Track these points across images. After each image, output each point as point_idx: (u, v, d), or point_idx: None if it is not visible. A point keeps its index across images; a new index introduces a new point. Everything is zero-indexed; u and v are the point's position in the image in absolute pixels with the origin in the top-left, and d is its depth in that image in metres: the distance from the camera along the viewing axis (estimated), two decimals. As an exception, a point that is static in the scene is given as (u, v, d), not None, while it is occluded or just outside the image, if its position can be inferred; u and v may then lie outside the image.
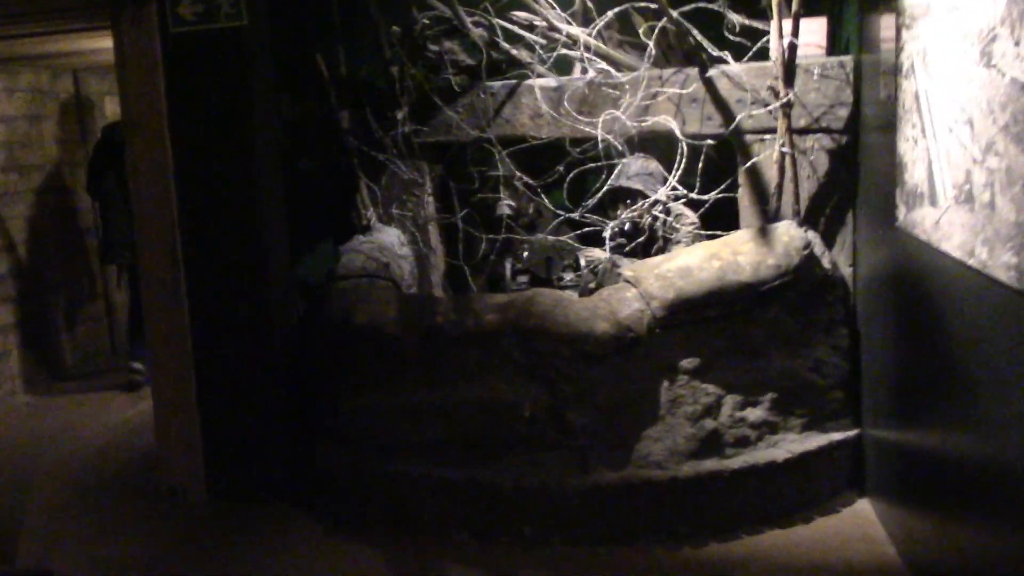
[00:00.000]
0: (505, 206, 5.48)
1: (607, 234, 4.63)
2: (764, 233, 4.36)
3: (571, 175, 4.81)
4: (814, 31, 4.44)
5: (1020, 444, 2.42)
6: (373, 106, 5.24)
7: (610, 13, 4.68)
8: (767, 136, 4.57)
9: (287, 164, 5.15)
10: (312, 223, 5.77)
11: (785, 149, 4.34)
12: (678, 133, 4.52)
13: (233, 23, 4.35)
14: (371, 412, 4.32)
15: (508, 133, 5.19)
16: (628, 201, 4.91)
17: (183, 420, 4.65)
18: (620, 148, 4.62)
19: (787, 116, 4.28)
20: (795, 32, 4.15)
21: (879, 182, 3.97)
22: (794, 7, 4.13)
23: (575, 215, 4.78)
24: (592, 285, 4.65)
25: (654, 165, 4.99)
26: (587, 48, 4.86)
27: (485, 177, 5.50)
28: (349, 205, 5.62)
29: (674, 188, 4.59)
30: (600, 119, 4.75)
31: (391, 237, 5.49)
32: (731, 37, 4.59)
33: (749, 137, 4.62)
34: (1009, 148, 2.38)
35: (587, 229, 4.88)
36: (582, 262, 4.80)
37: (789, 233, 4.35)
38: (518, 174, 5.41)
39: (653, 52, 4.57)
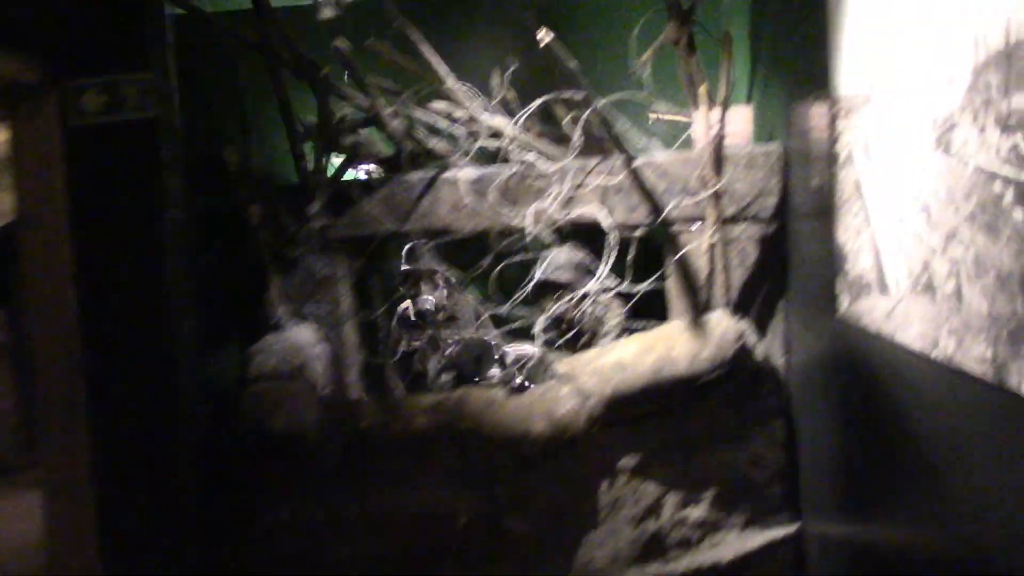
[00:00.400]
0: (426, 301, 5.28)
1: (538, 328, 4.47)
2: (697, 324, 4.26)
3: (497, 268, 4.65)
4: (739, 120, 4.45)
5: (991, 536, 2.31)
6: (287, 200, 5.02)
7: (536, 103, 4.58)
8: (695, 225, 4.51)
9: (193, 262, 4.86)
10: (217, 323, 5.45)
11: (715, 239, 4.27)
12: (604, 224, 4.42)
13: (141, 115, 4.10)
14: (292, 525, 4.01)
15: (428, 226, 5.02)
16: (556, 294, 4.77)
17: (80, 557, 4.22)
18: (548, 239, 4.48)
19: (717, 206, 4.24)
20: (723, 121, 4.13)
21: (813, 271, 3.93)
22: (720, 97, 4.12)
23: (503, 310, 4.60)
24: (521, 382, 4.46)
25: (581, 256, 4.88)
26: (511, 139, 4.75)
27: (405, 272, 5.32)
28: (258, 303, 5.34)
29: (602, 280, 4.46)
30: (527, 210, 4.62)
31: (304, 336, 5.22)
32: (655, 127, 4.54)
33: (677, 227, 4.55)
34: (977, 238, 2.32)
35: (514, 324, 4.71)
36: (509, 358, 4.61)
37: (722, 324, 4.27)
38: (438, 268, 5.26)
39: (579, 142, 4.48)
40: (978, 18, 2.24)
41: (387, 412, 3.96)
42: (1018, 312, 2.13)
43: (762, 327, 4.45)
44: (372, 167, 5.39)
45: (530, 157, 4.70)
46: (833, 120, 3.47)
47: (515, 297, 4.65)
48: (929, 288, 2.64)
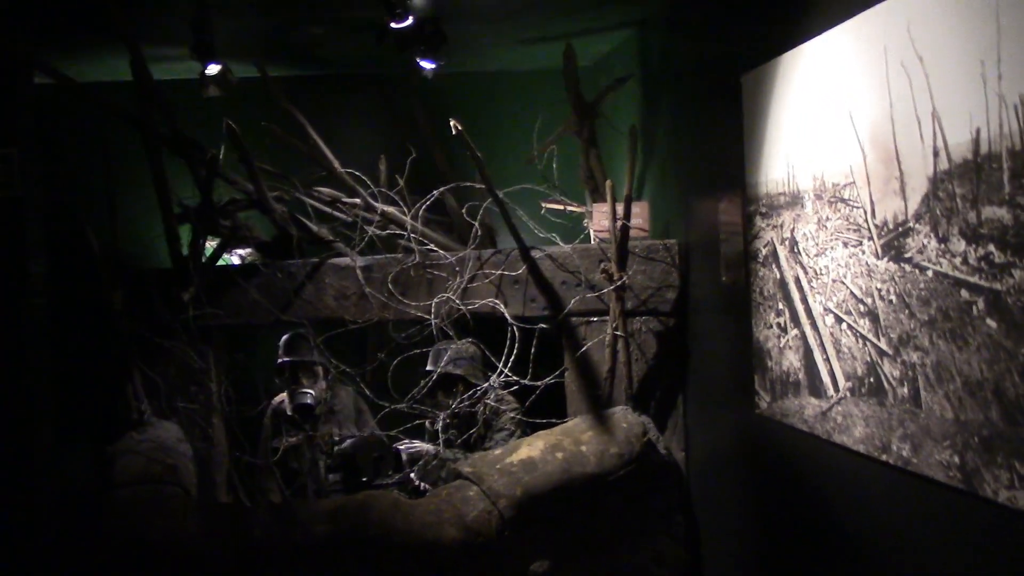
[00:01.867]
0: (305, 395, 5.01)
1: (439, 425, 4.28)
2: (602, 420, 4.20)
3: (394, 360, 4.45)
4: (637, 214, 4.47)
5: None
6: (157, 285, 4.67)
7: (436, 192, 4.47)
8: (594, 319, 4.48)
9: (53, 354, 4.43)
10: (72, 418, 4.98)
11: (619, 332, 4.25)
12: (508, 316, 4.33)
13: (4, 193, 3.73)
14: (171, 653, 3.61)
15: (311, 315, 4.78)
16: (454, 389, 4.61)
17: None
18: (447, 331, 4.34)
19: (621, 299, 4.22)
20: (627, 215, 4.14)
21: (718, 367, 3.96)
22: (625, 190, 4.13)
23: (400, 405, 4.39)
24: (419, 483, 4.25)
25: (473, 349, 4.75)
26: (410, 228, 4.61)
27: (283, 364, 5.04)
28: (117, 397, 4.91)
29: (502, 374, 4.34)
30: (423, 301, 4.47)
31: (171, 433, 4.83)
32: (552, 218, 4.50)
33: (575, 320, 4.51)
34: (939, 344, 2.34)
35: (406, 422, 4.51)
36: (403, 457, 4.39)
37: (627, 419, 4.23)
38: (319, 360, 5.02)
39: (479, 233, 4.38)
40: (936, 126, 2.29)
41: (281, 519, 3.67)
42: (992, 420, 2.15)
43: (662, 422, 4.43)
44: (246, 252, 5.13)
45: (417, 248, 4.56)
46: (751, 219, 3.51)
47: (415, 391, 4.45)
48: (877, 391, 2.66)
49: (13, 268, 3.82)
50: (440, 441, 4.28)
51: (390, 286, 4.49)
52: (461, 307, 4.39)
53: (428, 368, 4.72)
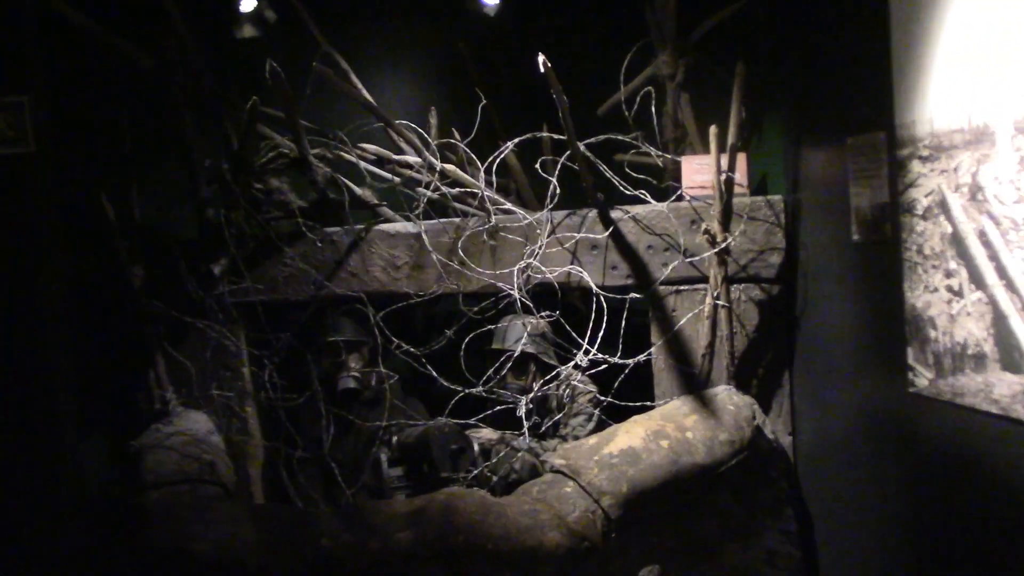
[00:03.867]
0: (349, 379, 4.48)
1: (521, 411, 3.76)
2: (706, 402, 3.70)
3: (441, 339, 3.93)
4: (736, 167, 3.94)
5: None
6: (182, 258, 4.13)
7: (510, 144, 3.93)
8: (684, 287, 3.97)
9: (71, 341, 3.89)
10: (89, 408, 4.44)
11: (721, 302, 3.74)
12: (592, 285, 3.80)
13: (16, 150, 3.16)
14: None
15: (357, 289, 4.25)
16: (526, 369, 4.10)
17: None
18: (528, 303, 3.81)
19: (724, 264, 3.71)
20: (731, 167, 3.62)
21: (845, 339, 3.45)
22: (730, 138, 3.61)
23: (477, 389, 3.87)
24: (504, 477, 3.74)
25: (543, 324, 4.23)
26: (465, 186, 4.07)
27: (325, 344, 4.51)
28: (137, 384, 4.38)
29: (586, 352, 3.81)
30: (490, 271, 3.95)
31: (201, 425, 4.31)
32: (635, 175, 3.97)
33: (663, 289, 3.99)
34: None
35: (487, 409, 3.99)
36: (476, 448, 3.87)
37: (733, 401, 3.73)
38: (366, 339, 4.49)
39: (557, 191, 3.85)
40: None
41: (354, 525, 3.15)
42: None
43: (765, 403, 3.93)
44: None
45: (474, 210, 4.03)
46: (902, 163, 3.00)
47: (489, 372, 3.92)
48: None
49: (27, 234, 3.26)
50: (524, 430, 3.75)
51: (460, 253, 3.94)
52: (545, 273, 3.85)
53: (495, 347, 4.20)
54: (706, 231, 3.66)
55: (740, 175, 3.96)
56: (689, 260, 3.89)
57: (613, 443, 3.49)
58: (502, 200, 3.95)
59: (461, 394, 3.84)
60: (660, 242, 3.99)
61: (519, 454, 3.92)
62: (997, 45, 2.55)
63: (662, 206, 3.87)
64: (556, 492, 3.34)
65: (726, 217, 3.69)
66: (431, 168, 4.02)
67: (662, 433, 3.52)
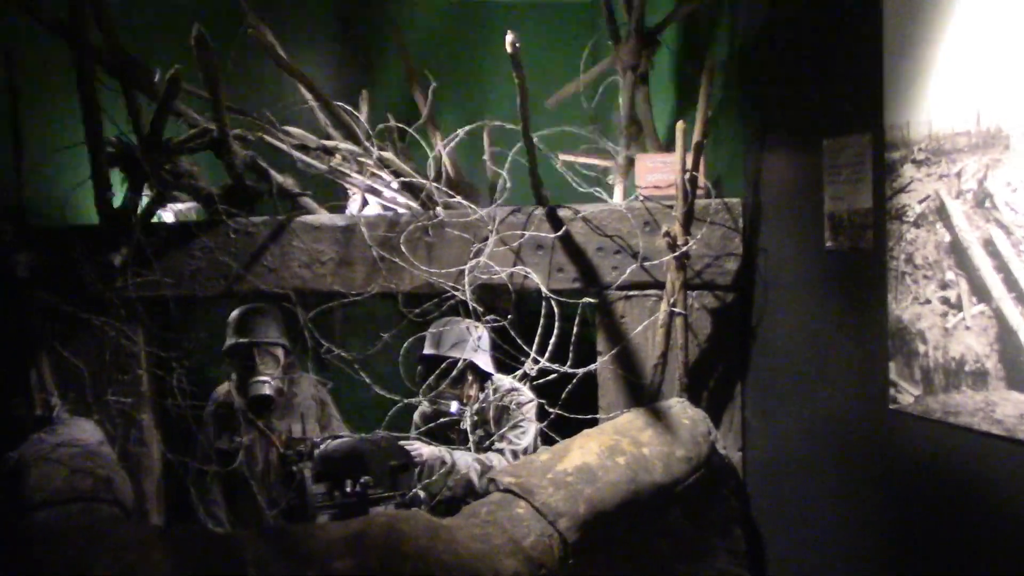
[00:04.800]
0: (263, 384, 4.10)
1: (466, 423, 3.45)
2: (660, 415, 3.49)
3: (377, 343, 3.61)
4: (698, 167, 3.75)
5: None
6: (79, 246, 3.68)
7: (461, 132, 3.62)
8: (634, 292, 3.75)
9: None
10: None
11: (677, 309, 3.52)
12: (544, 288, 3.54)
13: None
14: None
15: (273, 286, 3.88)
16: (464, 378, 3.81)
17: None
18: (476, 306, 3.52)
19: (683, 269, 3.50)
20: (696, 166, 3.41)
21: (805, 351, 3.28)
22: (696, 135, 3.41)
23: (416, 400, 3.54)
24: (433, 496, 3.44)
25: (482, 330, 3.95)
26: (395, 174, 3.75)
27: (235, 346, 4.11)
28: (16, 387, 3.90)
29: (535, 361, 3.54)
30: (427, 269, 3.64)
31: (89, 433, 3.86)
32: (585, 172, 3.73)
33: (611, 294, 3.76)
34: None
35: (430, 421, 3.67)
36: (425, 459, 3.55)
37: (688, 415, 3.53)
38: (279, 340, 4.12)
39: (508, 185, 3.58)
40: None
41: (283, 552, 2.78)
42: None
43: (715, 416, 3.73)
44: (184, 207, 4.15)
45: (441, 201, 3.72)
46: (892, 167, 2.84)
47: (428, 381, 3.61)
48: None
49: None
50: (470, 442, 3.45)
51: (402, 249, 3.62)
52: (494, 272, 3.56)
53: (428, 352, 3.89)
54: (666, 233, 3.45)
55: (700, 176, 3.76)
56: (646, 264, 3.66)
57: (567, 459, 3.23)
58: (450, 193, 3.64)
59: (399, 404, 3.51)
60: (611, 244, 3.76)
61: (453, 471, 3.63)
62: (1013, 40, 2.40)
63: (620, 205, 3.63)
64: (508, 513, 3.05)
65: (688, 219, 3.48)
66: (367, 155, 3.67)
67: (617, 449, 3.28)
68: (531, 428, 3.90)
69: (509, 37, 3.00)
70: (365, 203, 4.14)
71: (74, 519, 3.23)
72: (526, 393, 3.90)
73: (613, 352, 3.75)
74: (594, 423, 3.70)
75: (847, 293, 3.10)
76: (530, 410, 3.88)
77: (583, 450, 3.28)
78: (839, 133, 3.10)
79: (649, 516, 3.28)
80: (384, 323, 4.62)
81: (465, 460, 3.72)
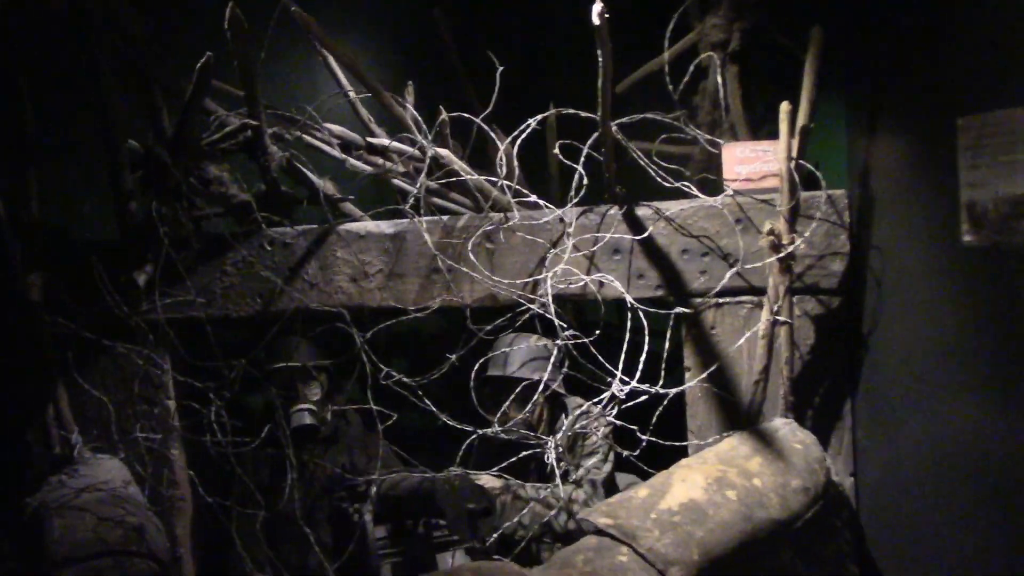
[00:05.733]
0: (305, 414, 3.70)
1: (551, 455, 3.03)
2: (767, 440, 3.07)
3: (442, 366, 3.20)
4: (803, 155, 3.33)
5: None
6: (97, 263, 3.29)
7: (532, 121, 3.21)
8: (725, 300, 3.33)
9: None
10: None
11: (782, 317, 3.10)
12: (629, 299, 3.12)
13: None
14: None
15: (315, 303, 3.49)
16: (536, 402, 3.40)
17: None
18: (557, 320, 3.10)
19: (788, 272, 3.08)
20: (802, 153, 3.00)
21: (938, 359, 2.85)
22: (801, 118, 2.99)
23: (492, 430, 3.13)
24: (508, 536, 3.02)
25: (545, 344, 3.54)
26: (447, 175, 3.35)
27: (274, 372, 3.71)
28: (31, 423, 3.51)
29: (624, 382, 3.11)
30: (490, 279, 3.23)
31: (115, 473, 3.46)
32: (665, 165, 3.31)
33: (699, 301, 3.34)
34: None
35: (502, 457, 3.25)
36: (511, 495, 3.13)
37: (798, 438, 3.11)
38: (321, 364, 3.73)
39: (585, 182, 3.16)
40: None
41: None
42: None
43: (823, 438, 3.30)
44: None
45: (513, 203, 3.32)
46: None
47: (502, 407, 3.21)
48: None
49: None
50: (558, 479, 3.03)
51: (426, 260, 3.22)
52: (576, 279, 3.16)
53: (495, 373, 3.48)
54: (770, 231, 3.02)
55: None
56: (744, 268, 3.25)
57: (669, 495, 2.81)
58: (523, 191, 3.22)
59: (474, 436, 3.08)
60: (698, 246, 3.34)
61: (525, 509, 3.21)
62: None
63: (715, 201, 3.21)
64: (609, 562, 2.63)
65: (794, 215, 3.06)
66: (423, 153, 3.27)
67: (725, 481, 2.86)
68: (610, 456, 3.49)
69: (597, 7, 2.58)
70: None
71: (102, 579, 2.82)
72: (598, 416, 3.49)
73: (698, 368, 3.33)
74: (683, 452, 3.29)
75: (989, 294, 2.67)
76: (607, 436, 3.47)
77: (686, 484, 2.86)
78: (980, 109, 2.68)
79: (763, 559, 2.85)
80: (430, 343, 4.23)
81: (539, 495, 3.31)
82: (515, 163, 3.09)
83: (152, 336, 3.33)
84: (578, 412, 3.45)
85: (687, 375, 3.40)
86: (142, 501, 3.34)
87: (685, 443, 3.33)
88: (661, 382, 3.08)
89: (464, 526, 2.91)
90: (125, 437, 3.48)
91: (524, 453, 3.20)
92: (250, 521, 3.64)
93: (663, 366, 3.10)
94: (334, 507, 3.61)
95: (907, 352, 3.06)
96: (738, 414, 3.32)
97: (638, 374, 3.01)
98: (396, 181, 3.56)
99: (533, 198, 3.19)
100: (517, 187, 3.15)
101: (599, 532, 2.77)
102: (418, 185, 3.22)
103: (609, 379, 3.04)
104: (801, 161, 3.04)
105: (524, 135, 3.14)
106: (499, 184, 3.12)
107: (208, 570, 3.76)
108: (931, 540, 2.90)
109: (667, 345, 3.15)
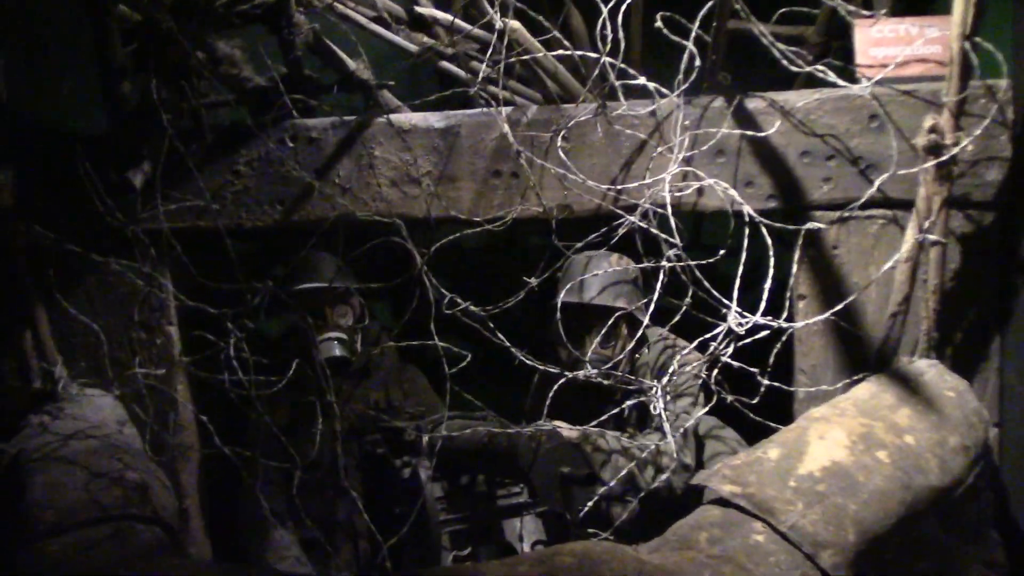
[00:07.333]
0: (335, 344, 3.15)
1: (660, 407, 2.47)
2: (913, 387, 2.54)
3: (520, 292, 2.63)
4: (936, 38, 2.73)
5: None
6: (82, 160, 2.67)
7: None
8: (854, 214, 2.76)
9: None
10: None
11: (934, 236, 2.54)
12: (750, 211, 2.54)
13: None
14: None
15: (347, 213, 2.90)
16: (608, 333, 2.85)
17: None
18: (663, 235, 2.52)
19: (948, 180, 2.51)
20: (975, 29, 2.41)
21: None
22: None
23: (585, 372, 2.57)
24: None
25: (634, 269, 2.98)
26: (520, 54, 2.73)
27: (301, 294, 3.15)
28: (4, 353, 2.95)
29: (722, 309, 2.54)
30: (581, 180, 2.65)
31: (108, 413, 2.91)
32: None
33: (823, 215, 2.77)
34: None
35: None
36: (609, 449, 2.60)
37: (948, 383, 2.59)
38: (354, 286, 3.18)
39: (697, 64, 2.56)
40: None
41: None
42: None
43: (966, 379, 2.76)
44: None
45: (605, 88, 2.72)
46: None
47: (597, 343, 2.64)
48: None
49: None
50: (666, 427, 2.47)
51: (486, 160, 2.65)
52: (668, 194, 2.57)
53: (570, 300, 2.92)
54: (932, 129, 2.44)
55: (941, 48, 2.75)
56: (875, 174, 2.67)
57: (808, 457, 2.29)
58: (632, 72, 2.61)
59: (562, 380, 2.52)
60: (822, 147, 2.76)
61: (609, 460, 2.68)
62: None
63: (858, 89, 2.61)
64: (741, 543, 2.11)
65: (960, 109, 2.47)
66: (490, 31, 2.65)
67: (873, 438, 2.34)
68: (701, 398, 2.96)
69: None
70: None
71: (101, 550, 2.29)
72: (688, 348, 2.94)
73: (815, 297, 2.78)
74: (788, 398, 2.76)
75: None
76: (697, 371, 2.91)
77: (825, 441, 2.33)
78: None
79: (918, 533, 2.35)
80: (474, 257, 3.69)
81: (620, 446, 2.78)
82: (620, 34, 2.46)
83: (166, 248, 2.73)
84: (664, 346, 2.91)
85: (800, 304, 2.85)
86: (140, 450, 2.79)
87: (789, 388, 2.78)
88: (784, 315, 2.51)
89: (557, 495, 2.36)
90: (120, 372, 2.91)
91: (628, 403, 2.64)
92: (267, 468, 3.12)
93: (788, 296, 2.54)
94: (366, 452, 3.08)
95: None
96: (863, 353, 2.78)
97: (761, 307, 2.44)
98: (446, 64, 2.95)
99: (642, 80, 2.57)
100: (623, 65, 2.52)
101: (722, 502, 2.24)
102: (490, 65, 2.58)
103: (723, 311, 2.47)
104: (979, 40, 2.44)
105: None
106: (602, 62, 2.49)
107: (219, 525, 3.25)
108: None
109: (795, 269, 2.59)
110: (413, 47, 2.94)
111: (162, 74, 2.58)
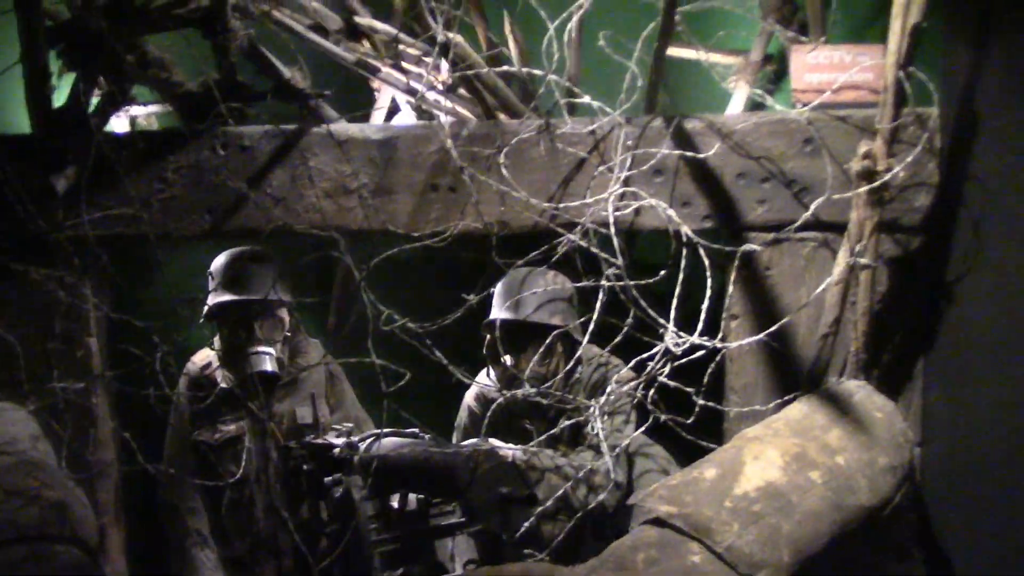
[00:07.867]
0: (265, 357, 3.10)
1: (597, 426, 2.48)
2: (843, 407, 2.59)
3: (457, 310, 2.61)
4: (869, 66, 2.80)
5: None
6: (12, 163, 2.59)
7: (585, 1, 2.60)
8: (787, 236, 2.82)
9: None
10: None
11: (865, 259, 2.61)
12: (686, 231, 2.57)
13: None
14: None
15: (280, 223, 2.86)
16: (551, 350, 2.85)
17: None
18: (605, 254, 2.54)
19: (879, 205, 2.57)
20: (909, 59, 2.47)
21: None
22: (913, 15, 2.45)
23: (531, 391, 2.56)
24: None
25: (569, 287, 2.99)
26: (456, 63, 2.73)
27: (228, 307, 3.09)
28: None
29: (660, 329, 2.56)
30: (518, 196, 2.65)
31: (21, 428, 2.81)
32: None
33: (757, 236, 2.82)
34: None
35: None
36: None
37: (875, 404, 2.66)
38: (285, 299, 3.14)
39: (639, 83, 2.58)
40: None
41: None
42: None
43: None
44: (149, 111, 3.09)
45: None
46: None
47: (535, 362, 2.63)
48: None
49: None
50: (601, 440, 2.48)
51: (425, 173, 2.63)
52: (601, 213, 2.58)
53: (506, 316, 2.91)
54: (866, 155, 2.50)
55: (873, 76, 2.82)
56: (806, 198, 2.72)
57: (744, 477, 2.32)
58: (574, 91, 2.62)
59: (500, 400, 2.51)
60: (757, 169, 2.81)
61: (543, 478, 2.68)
62: None
63: (757, 118, 2.66)
64: (678, 564, 2.12)
65: (894, 136, 2.54)
66: (432, 43, 2.64)
67: (806, 458, 2.38)
68: (633, 416, 2.97)
69: None
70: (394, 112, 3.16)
71: (18, 572, 2.20)
72: (619, 366, 2.97)
73: (748, 317, 2.83)
74: (718, 416, 2.79)
75: None
76: (632, 390, 2.93)
77: (760, 462, 2.36)
78: None
79: (846, 552, 2.40)
80: (408, 271, 3.66)
81: (554, 464, 2.77)
82: (567, 53, 2.46)
83: (91, 256, 2.64)
84: (598, 364, 2.93)
85: (732, 324, 2.88)
86: (56, 467, 2.70)
87: (720, 407, 2.81)
88: (721, 335, 2.54)
89: (496, 516, 2.34)
90: (37, 385, 2.80)
91: (571, 422, 2.64)
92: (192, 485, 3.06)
93: (724, 315, 2.58)
94: (292, 468, 3.01)
95: (1000, 307, 2.60)
96: (794, 373, 2.83)
97: (699, 327, 2.47)
98: (386, 73, 2.92)
99: (586, 99, 2.58)
100: (568, 84, 2.53)
101: (659, 522, 2.26)
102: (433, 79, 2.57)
103: (660, 330, 2.49)
104: (912, 69, 2.50)
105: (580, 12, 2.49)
106: (544, 76, 2.49)
107: (139, 542, 3.16)
108: (1003, 521, 2.50)
109: (730, 289, 2.62)
110: (350, 56, 2.90)
111: (91, 75, 2.50)
